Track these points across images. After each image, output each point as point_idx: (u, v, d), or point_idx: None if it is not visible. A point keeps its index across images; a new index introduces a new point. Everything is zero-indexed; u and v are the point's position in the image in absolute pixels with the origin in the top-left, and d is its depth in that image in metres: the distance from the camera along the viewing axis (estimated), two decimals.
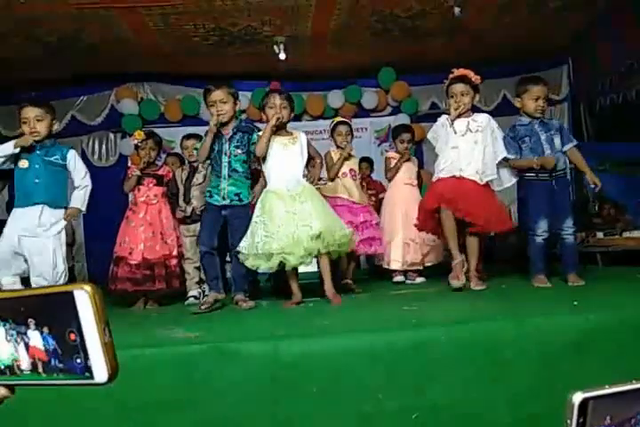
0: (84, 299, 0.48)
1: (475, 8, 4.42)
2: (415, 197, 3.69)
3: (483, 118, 2.92)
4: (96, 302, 0.48)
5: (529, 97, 2.86)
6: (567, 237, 2.81)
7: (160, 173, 3.41)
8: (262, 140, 2.74)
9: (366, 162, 4.76)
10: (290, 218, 2.64)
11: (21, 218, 2.72)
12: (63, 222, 2.80)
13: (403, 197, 3.68)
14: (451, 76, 2.93)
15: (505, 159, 2.91)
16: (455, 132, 2.86)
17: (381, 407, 1.57)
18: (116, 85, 5.69)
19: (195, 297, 3.41)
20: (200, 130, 5.47)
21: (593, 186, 2.86)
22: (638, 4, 4.33)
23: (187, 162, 3.75)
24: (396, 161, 3.72)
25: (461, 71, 2.90)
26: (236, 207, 2.82)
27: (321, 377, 1.59)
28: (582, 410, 0.43)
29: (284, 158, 2.78)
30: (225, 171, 2.80)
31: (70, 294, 0.48)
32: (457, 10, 4.27)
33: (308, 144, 2.88)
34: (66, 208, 2.84)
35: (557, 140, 2.91)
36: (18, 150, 2.69)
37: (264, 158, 2.81)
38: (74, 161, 2.86)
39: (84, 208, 2.93)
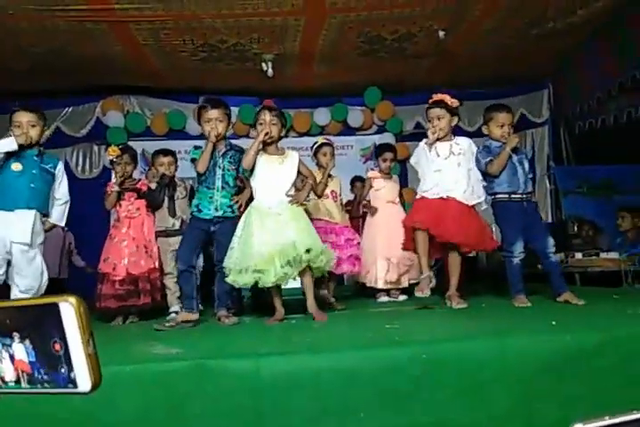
0: (68, 311, 0.48)
1: (459, 32, 4.55)
2: (398, 215, 3.73)
3: (464, 142, 2.99)
4: (81, 313, 0.48)
5: (495, 124, 2.93)
6: (551, 256, 2.86)
7: (139, 186, 3.42)
8: (249, 152, 2.76)
9: (361, 182, 4.79)
10: (267, 237, 2.64)
11: (14, 222, 2.65)
12: (43, 232, 2.80)
13: (385, 215, 3.72)
14: (430, 101, 3.01)
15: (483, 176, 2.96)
16: (438, 155, 2.91)
17: (363, 426, 1.57)
18: (102, 98, 5.70)
19: (176, 313, 3.37)
20: (186, 144, 5.55)
21: None
22: (615, 32, 4.51)
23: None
24: (375, 182, 3.78)
25: (438, 96, 2.98)
26: (225, 221, 2.83)
27: (303, 395, 1.59)
28: None
29: (272, 177, 2.80)
30: (218, 183, 2.85)
31: (55, 306, 0.49)
32: (441, 33, 4.39)
33: (301, 163, 2.89)
34: (45, 216, 2.83)
35: (526, 164, 2.99)
36: (17, 148, 2.66)
37: (252, 173, 2.83)
38: (62, 173, 2.88)
39: (62, 224, 2.98)
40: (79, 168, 5.77)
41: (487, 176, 2.94)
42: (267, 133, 2.75)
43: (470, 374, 1.64)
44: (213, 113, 2.81)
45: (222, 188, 2.85)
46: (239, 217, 2.88)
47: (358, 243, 3.59)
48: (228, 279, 2.68)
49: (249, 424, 1.56)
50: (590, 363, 1.69)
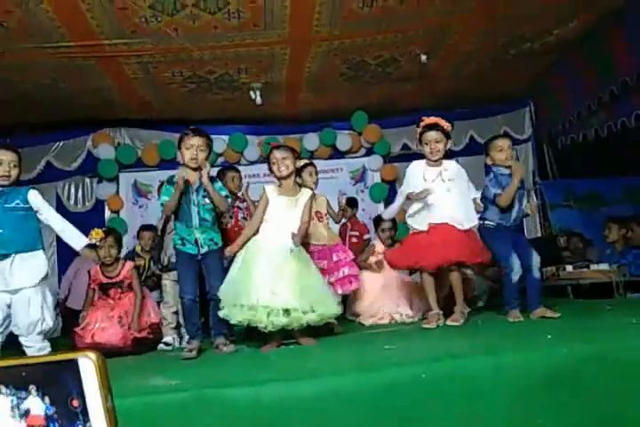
0: (88, 367, 0.49)
1: (440, 55, 4.68)
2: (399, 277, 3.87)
3: (452, 167, 3.03)
4: (100, 369, 0.49)
5: (495, 150, 2.99)
6: (534, 272, 2.91)
7: (120, 278, 3.43)
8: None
9: (348, 204, 4.77)
10: (267, 279, 2.61)
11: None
12: (45, 269, 2.62)
13: (388, 278, 3.83)
14: (422, 123, 3.05)
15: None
16: (425, 180, 2.97)
17: None
18: (92, 131, 5.75)
19: (166, 344, 3.34)
20: None
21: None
22: (590, 49, 4.66)
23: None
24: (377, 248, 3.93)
25: (432, 119, 3.04)
26: (211, 252, 2.81)
27: (304, 420, 1.59)
28: None
29: (285, 217, 2.79)
30: (195, 221, 2.79)
31: (74, 362, 0.49)
32: (423, 57, 4.52)
33: (316, 203, 2.96)
34: (42, 249, 2.64)
35: (524, 201, 3.04)
36: None
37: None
38: (39, 200, 2.67)
39: (84, 242, 2.71)
40: (71, 201, 5.76)
41: (493, 206, 2.98)
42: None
43: (469, 390, 1.66)
44: (196, 140, 2.79)
45: (200, 225, 2.79)
46: (225, 245, 2.88)
47: (353, 260, 3.54)
48: (222, 313, 2.64)
49: None
50: (588, 376, 1.71)
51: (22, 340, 2.57)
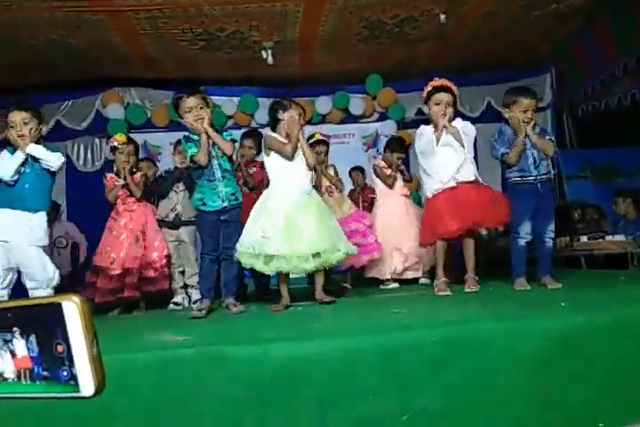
0: (72, 310, 0.47)
1: (459, 16, 4.49)
2: (409, 208, 3.78)
3: (457, 124, 2.94)
4: (84, 313, 0.47)
5: (517, 109, 2.83)
6: (547, 241, 2.87)
7: (134, 180, 3.38)
8: (291, 145, 2.73)
9: (359, 171, 4.74)
10: (291, 227, 2.62)
11: (13, 224, 2.59)
12: (44, 226, 2.68)
13: (399, 209, 3.73)
14: (433, 83, 2.96)
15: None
16: (437, 143, 2.89)
17: (371, 410, 1.57)
18: (102, 90, 5.66)
19: (176, 303, 3.38)
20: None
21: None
22: (616, 14, 4.44)
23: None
24: (388, 169, 3.76)
25: (444, 82, 2.94)
26: (233, 210, 2.79)
27: (311, 380, 1.59)
28: None
29: (294, 164, 2.77)
30: (218, 173, 2.77)
31: (58, 306, 0.47)
32: (442, 17, 4.34)
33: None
34: (47, 213, 2.72)
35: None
36: (25, 156, 2.60)
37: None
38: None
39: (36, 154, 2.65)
40: (80, 161, 5.74)
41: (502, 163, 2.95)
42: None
43: (479, 355, 1.64)
44: (191, 101, 2.71)
45: (223, 177, 2.77)
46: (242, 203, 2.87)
47: (370, 226, 3.51)
48: (243, 260, 2.65)
49: (256, 410, 1.56)
50: (599, 343, 1.69)
51: (39, 294, 2.58)
